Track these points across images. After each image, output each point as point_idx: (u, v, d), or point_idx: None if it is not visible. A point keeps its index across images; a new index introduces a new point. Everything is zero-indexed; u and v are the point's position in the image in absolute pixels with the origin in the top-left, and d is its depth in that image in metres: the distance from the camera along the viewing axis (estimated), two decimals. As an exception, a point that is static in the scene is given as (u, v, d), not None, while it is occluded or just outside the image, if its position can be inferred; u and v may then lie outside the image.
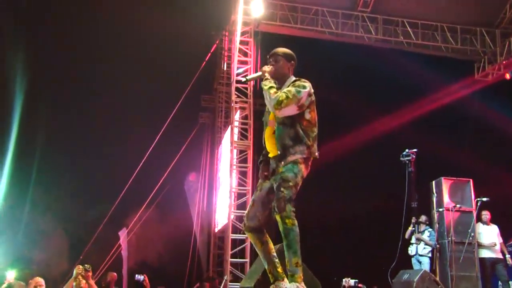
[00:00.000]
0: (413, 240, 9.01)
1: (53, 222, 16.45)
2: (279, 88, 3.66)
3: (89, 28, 15.88)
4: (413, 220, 8.62)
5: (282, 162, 3.53)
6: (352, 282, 8.84)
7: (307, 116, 3.64)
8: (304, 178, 3.57)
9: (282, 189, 3.43)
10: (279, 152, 3.57)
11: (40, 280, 7.00)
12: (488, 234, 8.84)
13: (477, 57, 13.77)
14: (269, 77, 3.70)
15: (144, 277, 8.20)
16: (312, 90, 3.65)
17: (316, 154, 3.63)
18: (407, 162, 7.28)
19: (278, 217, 3.40)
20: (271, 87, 3.62)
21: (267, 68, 3.78)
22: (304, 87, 3.60)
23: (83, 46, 15.99)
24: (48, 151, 16.22)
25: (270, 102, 3.59)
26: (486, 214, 8.91)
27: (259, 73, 3.80)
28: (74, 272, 7.37)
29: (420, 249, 8.92)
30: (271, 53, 3.87)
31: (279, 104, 3.51)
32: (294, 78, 3.76)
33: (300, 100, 3.54)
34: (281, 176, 3.49)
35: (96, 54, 16.09)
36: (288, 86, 3.63)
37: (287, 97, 3.53)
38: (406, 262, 8.86)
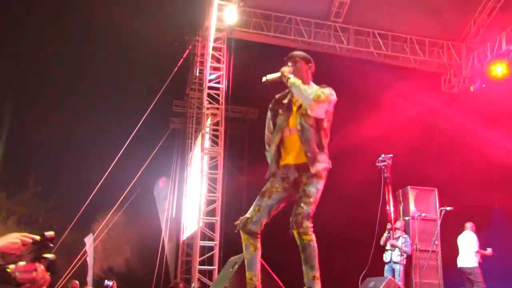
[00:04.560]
0: (388, 247, 8.93)
1: (15, 227, 16.05)
2: None
3: (58, 30, 15.65)
4: (388, 226, 8.48)
5: (310, 171, 3.43)
6: None
7: (325, 124, 3.56)
8: None
9: (302, 204, 3.36)
10: (309, 155, 3.43)
11: None
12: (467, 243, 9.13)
13: (443, 70, 14.15)
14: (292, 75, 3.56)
15: (113, 283, 8.08)
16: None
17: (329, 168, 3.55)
18: (383, 167, 7.28)
19: (295, 232, 3.35)
20: (302, 83, 3.50)
21: (286, 68, 3.63)
22: (331, 94, 3.55)
23: (51, 50, 15.73)
24: (11, 152, 15.86)
25: (307, 96, 3.43)
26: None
27: (278, 74, 3.63)
28: None
29: (395, 256, 8.80)
30: (289, 56, 3.77)
31: (317, 98, 3.42)
32: (314, 85, 3.64)
33: (331, 103, 3.52)
34: (304, 189, 3.42)
35: (66, 57, 15.87)
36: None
37: (323, 93, 3.45)
38: (380, 268, 8.90)
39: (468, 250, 9.16)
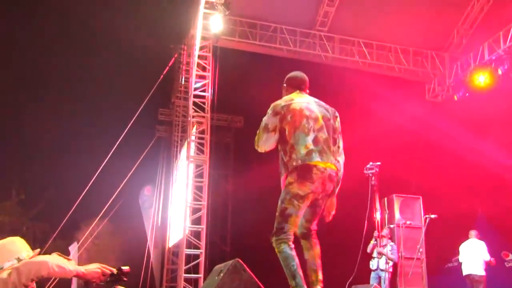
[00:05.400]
0: (375, 254, 8.93)
1: (-2, 235, 15.81)
2: None
3: (43, 38, 15.52)
4: (375, 233, 8.46)
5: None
6: None
7: (286, 131, 3.68)
8: (307, 190, 3.57)
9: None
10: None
11: None
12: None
13: (427, 79, 14.31)
14: None
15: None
16: (279, 107, 3.72)
17: (308, 162, 3.56)
18: (371, 175, 7.31)
19: None
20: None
21: None
22: (268, 113, 3.76)
23: (36, 56, 15.61)
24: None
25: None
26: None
27: None
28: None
29: (382, 264, 8.79)
30: None
31: (255, 143, 3.80)
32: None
33: (267, 127, 3.71)
34: None
35: (51, 64, 15.74)
36: None
37: (257, 133, 3.78)
38: (367, 276, 8.90)
39: (478, 257, 9.20)
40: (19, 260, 2.38)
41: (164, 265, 16.27)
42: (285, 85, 4.03)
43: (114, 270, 2.49)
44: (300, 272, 3.46)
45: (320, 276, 3.65)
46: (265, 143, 3.73)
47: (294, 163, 3.57)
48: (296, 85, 3.96)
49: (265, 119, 3.73)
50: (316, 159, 3.56)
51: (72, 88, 16.25)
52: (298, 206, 3.54)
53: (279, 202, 3.59)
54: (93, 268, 2.49)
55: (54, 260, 2.35)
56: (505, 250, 12.34)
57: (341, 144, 3.92)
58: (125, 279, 2.50)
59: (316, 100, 3.89)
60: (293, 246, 3.54)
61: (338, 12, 12.67)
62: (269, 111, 3.74)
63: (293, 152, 3.60)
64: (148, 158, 15.41)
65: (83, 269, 2.45)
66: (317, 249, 3.75)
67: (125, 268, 2.51)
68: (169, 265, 16.03)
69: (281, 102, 3.76)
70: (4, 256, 2.40)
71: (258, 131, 3.75)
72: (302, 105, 3.71)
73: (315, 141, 3.61)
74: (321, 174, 3.56)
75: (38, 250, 2.51)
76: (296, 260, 3.49)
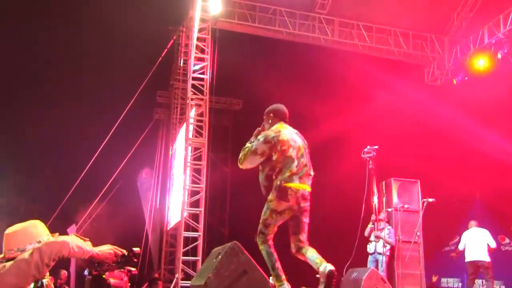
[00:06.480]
0: (372, 238, 8.95)
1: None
2: None
3: (40, 20, 15.37)
4: (373, 217, 8.54)
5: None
6: None
7: (274, 157, 4.31)
8: (283, 208, 4.26)
9: (260, 222, 4.36)
10: (263, 191, 4.44)
11: None
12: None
13: (427, 62, 14.25)
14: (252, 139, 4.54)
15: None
16: (270, 137, 4.34)
17: (285, 184, 4.23)
18: (368, 159, 7.28)
19: None
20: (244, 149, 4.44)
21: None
22: (258, 139, 4.39)
23: (33, 38, 15.47)
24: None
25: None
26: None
27: None
28: None
29: (379, 247, 8.81)
30: None
31: (239, 161, 4.44)
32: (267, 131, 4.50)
33: (256, 151, 4.34)
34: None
35: (48, 46, 15.62)
36: None
37: (244, 153, 4.40)
38: (364, 259, 8.95)
39: (483, 244, 9.27)
40: (39, 243, 2.46)
41: (162, 247, 16.33)
42: (271, 115, 4.59)
43: (125, 252, 2.62)
44: (278, 265, 4.24)
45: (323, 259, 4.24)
46: (249, 163, 4.40)
47: (278, 183, 4.26)
48: (282, 117, 4.60)
49: (255, 144, 4.35)
50: (295, 182, 4.26)
51: (70, 71, 16.12)
52: (275, 219, 4.31)
53: (262, 213, 4.32)
54: (106, 249, 2.63)
55: (74, 240, 2.48)
56: (502, 234, 12.43)
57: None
58: (135, 260, 2.66)
59: (296, 131, 4.55)
60: (271, 243, 4.31)
61: (337, -5, 12.55)
62: (260, 138, 4.37)
63: (279, 174, 4.28)
64: (147, 140, 15.38)
65: (97, 250, 2.59)
66: (311, 249, 4.34)
67: (136, 249, 2.67)
68: (167, 248, 16.09)
69: (271, 133, 4.39)
70: (27, 238, 2.47)
71: (244, 152, 4.37)
72: (288, 137, 4.39)
73: (298, 166, 4.32)
74: (294, 194, 4.24)
75: (57, 234, 2.59)
76: (275, 255, 4.27)
